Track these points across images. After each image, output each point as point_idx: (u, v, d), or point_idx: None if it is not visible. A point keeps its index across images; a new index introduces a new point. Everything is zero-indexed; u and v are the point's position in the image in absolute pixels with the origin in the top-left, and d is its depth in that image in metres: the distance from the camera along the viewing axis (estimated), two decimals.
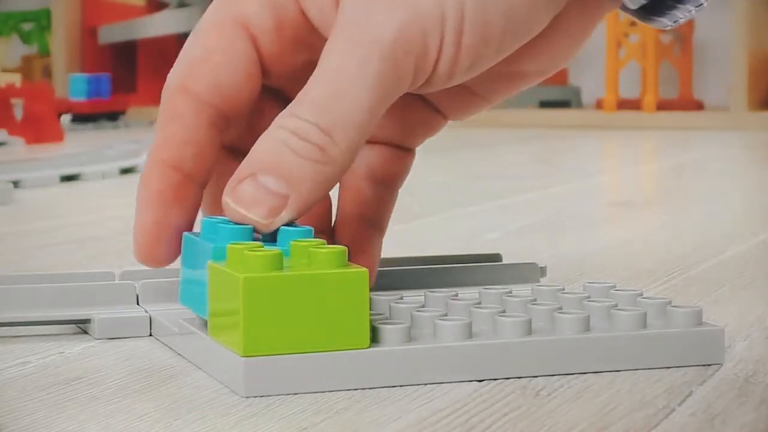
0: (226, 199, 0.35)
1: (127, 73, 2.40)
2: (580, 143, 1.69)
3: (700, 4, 0.38)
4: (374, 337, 0.34)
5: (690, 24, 2.14)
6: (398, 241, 0.66)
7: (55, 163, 1.07)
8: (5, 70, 2.05)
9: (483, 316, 0.36)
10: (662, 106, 2.09)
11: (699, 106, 2.17)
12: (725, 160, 1.37)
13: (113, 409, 0.32)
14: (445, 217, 0.79)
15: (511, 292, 0.39)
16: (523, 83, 0.40)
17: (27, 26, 2.64)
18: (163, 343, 0.40)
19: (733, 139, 1.67)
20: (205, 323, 0.36)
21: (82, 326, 0.42)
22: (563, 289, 0.40)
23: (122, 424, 0.31)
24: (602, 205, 0.92)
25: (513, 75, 0.40)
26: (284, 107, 0.36)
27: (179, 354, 0.38)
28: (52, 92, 1.67)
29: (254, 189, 0.35)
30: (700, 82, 2.27)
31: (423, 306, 0.38)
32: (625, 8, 0.38)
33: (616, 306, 0.37)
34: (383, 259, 0.42)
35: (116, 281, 0.43)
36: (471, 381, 0.34)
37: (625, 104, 2.13)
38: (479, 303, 0.38)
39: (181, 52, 0.38)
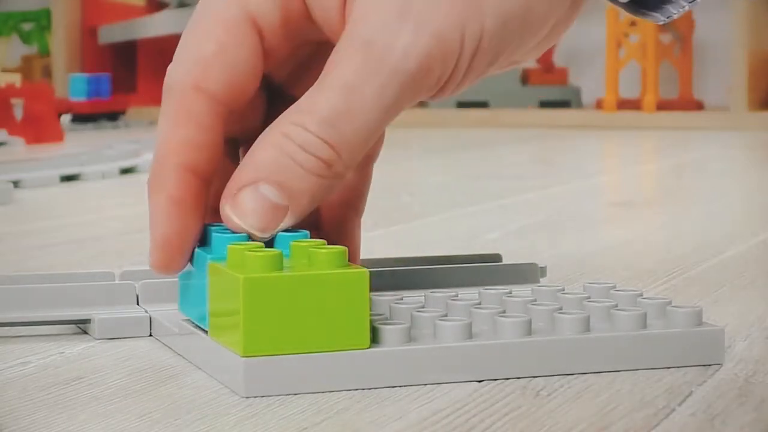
0: (226, 207, 0.35)
1: (127, 73, 2.39)
2: (580, 143, 1.69)
3: (694, 0, 0.37)
4: (374, 338, 0.34)
5: (690, 24, 2.14)
6: (398, 241, 0.66)
7: (55, 163, 1.07)
8: (5, 70, 2.04)
9: (483, 316, 0.36)
10: (662, 106, 2.09)
11: (699, 106, 2.17)
12: (725, 160, 1.37)
13: (113, 409, 0.32)
14: (445, 217, 0.79)
15: (511, 293, 0.39)
16: (506, 69, 0.40)
17: (27, 26, 2.64)
18: (163, 344, 0.40)
19: (733, 139, 1.67)
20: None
21: (82, 326, 0.42)
22: (563, 290, 0.40)
23: (122, 424, 0.31)
24: (602, 205, 0.92)
25: (501, 66, 0.39)
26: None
27: (179, 354, 0.38)
28: (52, 92, 1.67)
29: (254, 200, 0.35)
30: (700, 82, 2.26)
31: (423, 306, 0.38)
32: (614, 0, 0.37)
33: (616, 306, 0.37)
34: (384, 259, 0.42)
35: (116, 281, 0.43)
36: (471, 381, 0.34)
37: (625, 104, 2.13)
38: (479, 303, 0.38)
39: (183, 46, 0.37)
